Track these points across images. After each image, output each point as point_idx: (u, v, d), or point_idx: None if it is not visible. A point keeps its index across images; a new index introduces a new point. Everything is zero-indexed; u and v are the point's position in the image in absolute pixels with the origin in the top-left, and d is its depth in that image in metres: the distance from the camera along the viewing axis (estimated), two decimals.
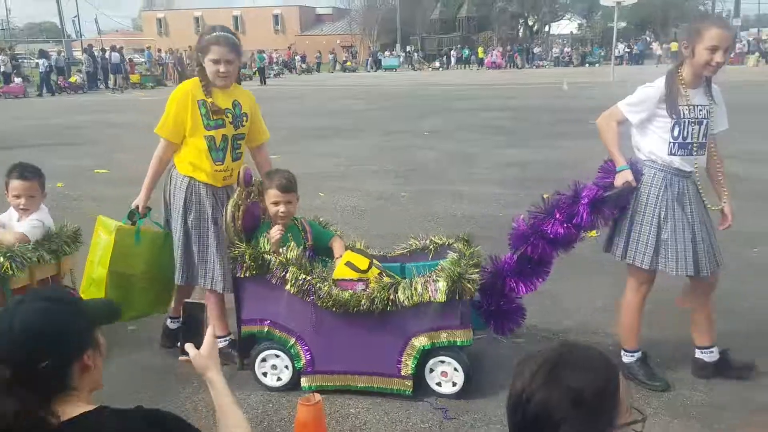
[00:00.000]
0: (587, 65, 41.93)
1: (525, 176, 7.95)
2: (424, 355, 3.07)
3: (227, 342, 3.47)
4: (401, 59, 48.25)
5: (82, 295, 3.24)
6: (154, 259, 3.41)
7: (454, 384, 3.10)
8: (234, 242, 3.11)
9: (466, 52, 45.97)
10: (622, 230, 3.13)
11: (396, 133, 12.54)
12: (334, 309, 3.01)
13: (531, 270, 3.22)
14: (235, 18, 59.55)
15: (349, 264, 3.18)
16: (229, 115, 3.31)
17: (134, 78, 29.16)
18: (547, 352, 1.28)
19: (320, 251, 3.46)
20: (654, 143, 3.04)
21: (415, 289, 2.96)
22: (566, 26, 56.76)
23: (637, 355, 3.25)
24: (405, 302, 2.96)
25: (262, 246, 3.10)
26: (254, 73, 34.15)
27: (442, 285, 2.94)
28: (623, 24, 47.20)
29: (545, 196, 3.21)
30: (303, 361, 3.15)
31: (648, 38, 46.40)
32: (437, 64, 45.60)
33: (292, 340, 3.14)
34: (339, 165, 9.34)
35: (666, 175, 3.02)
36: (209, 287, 3.36)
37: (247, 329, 3.22)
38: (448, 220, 6.18)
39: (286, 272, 3.03)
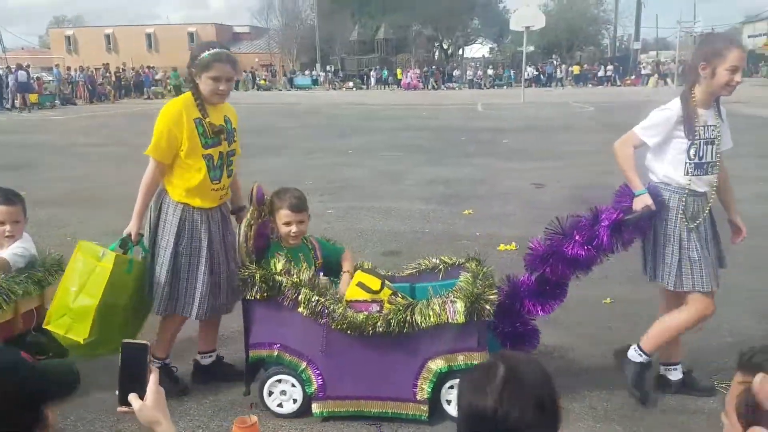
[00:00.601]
0: (495, 87, 43.50)
1: (448, 192, 8.28)
2: (441, 379, 2.97)
3: (159, 366, 3.33)
4: (323, 78, 48.52)
5: (50, 326, 3.02)
6: (137, 290, 3.22)
7: None
8: (245, 263, 3.00)
9: (385, 73, 46.80)
10: (649, 253, 3.15)
11: (320, 151, 12.68)
12: (348, 332, 2.89)
13: (549, 292, 3.15)
14: (148, 36, 58.05)
15: (360, 285, 3.06)
16: (224, 130, 3.23)
17: (32, 98, 27.10)
18: (499, 366, 1.31)
19: (331, 269, 3.35)
20: (670, 165, 3.06)
21: (433, 310, 2.86)
22: (479, 50, 59.01)
23: (646, 359, 3.22)
24: (422, 324, 2.86)
25: (273, 267, 2.99)
26: (169, 91, 33.46)
27: (460, 306, 2.85)
28: (531, 48, 49.40)
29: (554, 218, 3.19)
30: (314, 386, 3.02)
31: (555, 62, 48.80)
32: (351, 84, 46.17)
33: (303, 364, 3.02)
34: (262, 183, 9.32)
35: (681, 196, 3.04)
36: (181, 313, 3.24)
37: (256, 353, 3.09)
38: (375, 235, 6.37)
39: (299, 294, 2.92)
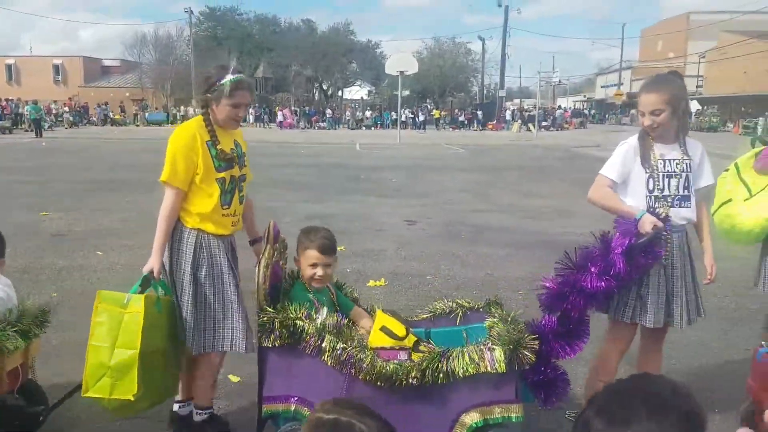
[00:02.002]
0: (364, 128, 44.56)
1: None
2: None
3: (208, 415, 3.12)
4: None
5: (91, 393, 2.68)
6: (171, 329, 2.89)
7: None
8: (263, 307, 2.71)
9: (264, 110, 46.62)
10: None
11: None
12: (377, 383, 2.59)
13: (573, 331, 2.92)
14: (9, 67, 54.21)
15: (384, 329, 2.80)
16: (235, 156, 3.04)
17: None
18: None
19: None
20: (632, 199, 3.05)
21: (471, 358, 2.61)
22: (358, 92, 60.37)
23: None
24: (459, 373, 2.59)
25: (293, 311, 2.69)
26: (29, 126, 31.25)
27: (498, 353, 2.61)
28: (407, 92, 51.36)
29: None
30: None
31: (429, 106, 50.98)
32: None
33: None
34: (127, 221, 8.85)
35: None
36: (228, 348, 2.97)
37: (270, 408, 2.74)
38: (245, 274, 6.13)
39: (322, 341, 2.62)
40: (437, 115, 47.06)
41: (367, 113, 48.88)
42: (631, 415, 1.08)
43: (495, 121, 45.41)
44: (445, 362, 2.59)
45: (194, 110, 47.77)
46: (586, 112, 63.09)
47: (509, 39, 49.23)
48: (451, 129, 44.08)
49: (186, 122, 3.08)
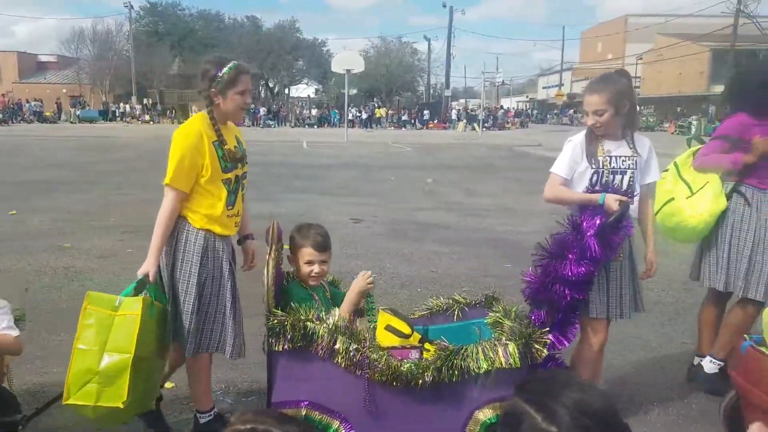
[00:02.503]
0: (307, 126, 44.35)
1: (262, 228, 8.03)
2: (488, 431, 2.66)
3: (211, 417, 3.06)
4: (137, 111, 46.19)
5: (73, 400, 2.49)
6: (160, 336, 2.77)
7: None
8: (272, 310, 2.61)
9: None
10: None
11: (129, 187, 11.84)
12: (394, 383, 2.55)
13: (564, 319, 2.98)
14: None
15: (390, 328, 2.75)
16: (238, 152, 2.94)
17: None
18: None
19: None
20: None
21: (486, 354, 2.60)
22: (305, 90, 60.01)
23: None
24: (475, 370, 2.58)
25: (303, 313, 2.61)
26: None
27: (512, 348, 2.61)
28: (354, 91, 51.31)
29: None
30: None
31: (376, 105, 51.04)
32: (147, 117, 44.65)
33: (336, 424, 2.62)
34: (57, 221, 8.46)
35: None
36: (214, 350, 2.91)
37: None
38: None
39: (335, 342, 2.55)
40: (379, 114, 47.04)
41: (314, 111, 48.54)
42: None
43: (437, 120, 45.88)
44: (460, 359, 2.58)
45: (132, 107, 46.56)
46: (528, 112, 64.41)
47: (454, 40, 49.85)
48: (393, 128, 44.11)
49: (190, 121, 2.92)
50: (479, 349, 2.61)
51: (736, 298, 3.59)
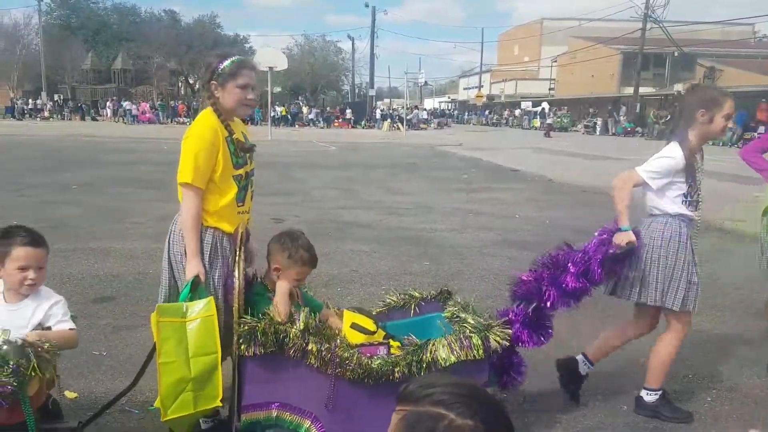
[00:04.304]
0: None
1: None
2: None
3: (214, 422, 2.98)
4: (48, 107, 43.87)
5: (170, 416, 2.49)
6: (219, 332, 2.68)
7: None
8: (242, 315, 2.58)
9: (124, 104, 43.93)
10: (655, 279, 3.23)
11: (34, 188, 11.19)
12: (366, 381, 2.59)
13: (540, 323, 3.12)
14: None
15: (355, 326, 2.81)
16: (247, 147, 2.91)
17: None
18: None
19: None
20: (670, 203, 3.25)
21: (452, 348, 2.70)
22: None
23: (660, 393, 3.41)
24: (443, 363, 2.67)
25: (272, 316, 2.60)
26: None
27: (476, 340, 2.74)
28: (279, 89, 50.60)
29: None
30: None
31: (301, 103, 50.53)
32: (46, 113, 42.68)
33: (307, 423, 2.65)
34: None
35: (681, 225, 3.23)
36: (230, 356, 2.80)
37: (251, 416, 2.64)
38: (87, 281, 5.63)
39: (307, 343, 2.57)
40: (283, 112, 46.11)
41: None
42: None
43: (340, 119, 45.98)
44: (428, 354, 2.66)
45: (43, 103, 44.14)
46: (448, 112, 65.47)
47: (378, 40, 50.10)
48: (297, 126, 43.56)
49: (202, 117, 2.85)
50: (445, 342, 2.71)
51: None
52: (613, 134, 39.56)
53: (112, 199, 10.31)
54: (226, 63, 2.80)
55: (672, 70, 45.61)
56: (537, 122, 47.36)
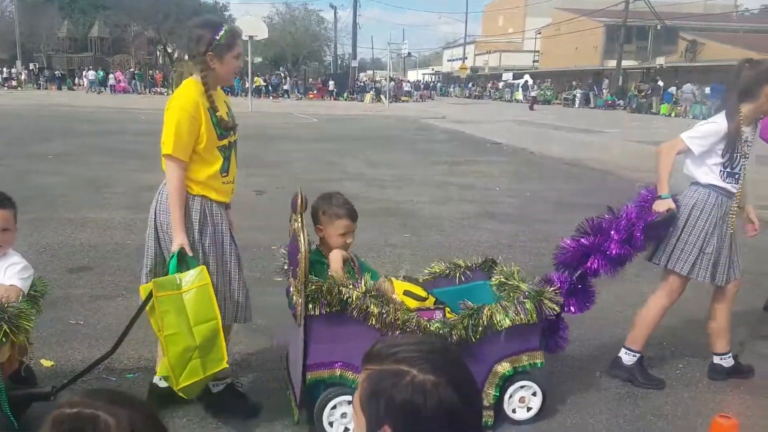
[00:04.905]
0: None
1: None
2: (505, 382, 2.93)
3: (224, 386, 3.00)
4: (23, 76, 42.94)
5: (182, 384, 2.56)
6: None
7: (529, 409, 3.01)
8: (308, 276, 2.66)
9: (101, 74, 43.07)
10: (668, 241, 3.34)
11: (10, 157, 11.00)
12: None
13: (584, 290, 3.23)
14: None
15: (408, 293, 2.93)
16: (229, 119, 2.92)
17: None
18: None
19: None
20: (709, 171, 3.31)
21: (506, 312, 2.84)
22: None
23: (638, 356, 3.49)
24: (498, 326, 2.81)
25: (337, 278, 2.71)
26: None
27: (529, 305, 2.87)
28: (259, 59, 49.87)
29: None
30: None
31: (282, 74, 49.86)
32: (14, 82, 41.82)
33: None
34: None
35: (718, 197, 3.30)
36: (229, 322, 2.89)
37: (315, 375, 2.76)
38: (63, 250, 5.58)
39: (369, 305, 2.69)
40: (258, 83, 44.65)
41: None
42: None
43: (315, 90, 45.50)
44: (485, 317, 2.79)
45: (18, 71, 43.13)
46: (432, 84, 65.09)
47: (361, 9, 49.40)
48: (271, 98, 42.77)
49: (184, 89, 2.84)
50: (500, 307, 2.85)
51: None
52: (594, 107, 39.68)
53: (90, 169, 10.18)
54: (222, 33, 2.78)
55: (654, 44, 45.70)
56: (519, 94, 47.29)
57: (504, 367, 2.91)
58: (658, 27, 41.92)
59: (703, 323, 4.26)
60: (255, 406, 3.05)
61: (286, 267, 3.11)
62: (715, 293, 3.51)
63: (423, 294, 2.98)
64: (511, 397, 2.97)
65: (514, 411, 3.00)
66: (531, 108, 35.60)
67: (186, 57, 2.92)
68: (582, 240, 3.23)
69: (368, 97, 42.76)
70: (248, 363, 3.58)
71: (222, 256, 2.87)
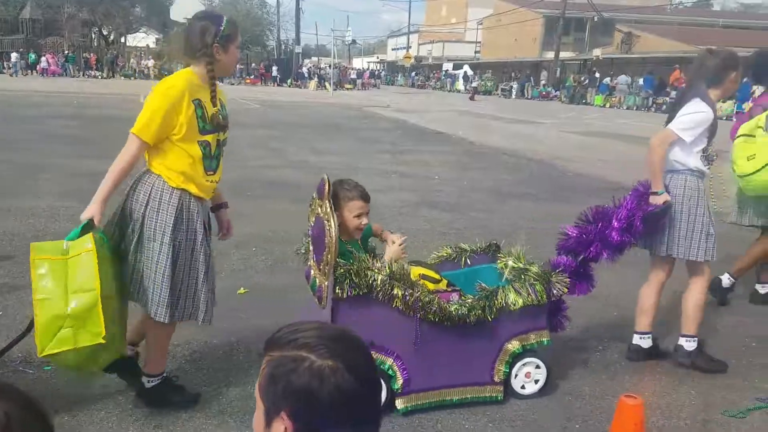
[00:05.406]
0: (125, 78, 41.72)
1: (91, 187, 7.53)
2: (514, 359, 3.14)
3: (159, 380, 2.97)
4: None
5: (48, 351, 2.45)
6: (118, 274, 2.74)
7: (536, 381, 3.24)
8: (337, 260, 2.77)
9: (32, 56, 41.17)
10: (677, 234, 3.54)
11: None
12: (446, 323, 2.94)
13: (583, 272, 3.48)
14: None
15: (424, 277, 3.10)
16: (221, 117, 2.91)
17: None
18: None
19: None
20: (693, 157, 3.53)
21: (519, 293, 3.04)
22: (143, 39, 55.69)
23: (697, 339, 3.70)
24: (512, 307, 3.02)
25: (364, 261, 2.85)
26: None
27: (539, 287, 3.07)
28: None
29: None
30: (400, 382, 2.98)
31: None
32: None
33: (390, 361, 2.95)
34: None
35: (699, 180, 3.56)
36: (188, 318, 2.87)
37: None
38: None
39: (393, 288, 2.84)
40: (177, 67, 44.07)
41: (150, 62, 45.31)
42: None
43: (252, 76, 44.95)
44: (500, 298, 3.00)
45: None
46: (377, 72, 64.98)
47: None
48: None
49: (174, 77, 2.86)
50: (513, 288, 3.05)
51: None
52: (530, 98, 40.49)
53: (19, 154, 9.79)
54: (225, 24, 2.83)
55: (592, 36, 46.94)
56: (460, 85, 47.74)
57: (514, 345, 3.12)
58: (596, 19, 43.03)
59: (621, 306, 4.49)
60: (194, 396, 3.07)
61: (303, 251, 3.27)
62: (691, 271, 3.72)
63: (437, 277, 3.18)
64: (516, 376, 3.20)
65: (523, 387, 3.24)
66: (471, 98, 36.05)
67: (185, 51, 2.90)
68: (584, 228, 3.48)
69: (313, 84, 42.39)
70: (195, 357, 3.59)
71: (193, 255, 2.84)
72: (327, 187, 2.85)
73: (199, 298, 2.87)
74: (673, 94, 29.17)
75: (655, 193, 3.48)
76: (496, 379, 3.13)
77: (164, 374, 3.02)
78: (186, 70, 2.86)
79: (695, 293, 3.68)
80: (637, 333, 3.77)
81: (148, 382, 2.96)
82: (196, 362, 3.49)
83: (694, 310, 3.67)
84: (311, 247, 3.11)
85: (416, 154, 12.62)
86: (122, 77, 41.43)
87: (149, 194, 2.78)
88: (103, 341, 2.49)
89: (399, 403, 3.01)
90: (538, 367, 3.22)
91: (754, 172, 4.11)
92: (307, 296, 3.23)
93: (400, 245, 3.13)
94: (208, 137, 2.85)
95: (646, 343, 3.77)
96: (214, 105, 2.87)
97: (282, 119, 19.06)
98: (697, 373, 3.65)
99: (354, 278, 2.79)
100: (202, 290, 2.87)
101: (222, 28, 2.81)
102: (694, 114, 3.48)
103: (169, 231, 2.76)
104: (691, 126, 3.47)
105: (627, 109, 31.46)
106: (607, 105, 33.17)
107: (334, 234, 2.72)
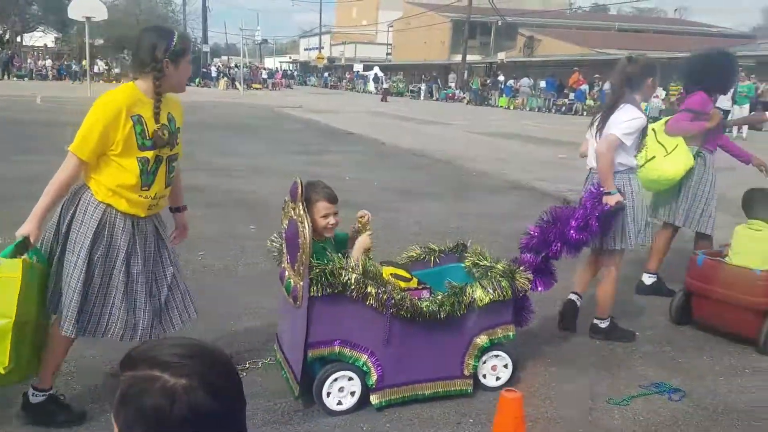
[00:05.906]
0: (25, 78, 39.65)
1: None
2: (482, 353, 3.25)
3: (45, 397, 2.86)
4: None
5: None
6: (41, 303, 2.71)
7: (498, 378, 3.37)
8: (311, 261, 2.84)
9: None
10: (627, 228, 3.91)
11: None
12: (418, 319, 3.03)
13: (545, 268, 3.69)
14: None
15: (395, 276, 3.20)
16: (166, 133, 2.79)
17: None
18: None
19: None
20: (631, 158, 3.93)
21: (486, 289, 3.16)
22: (41, 38, 52.63)
23: (608, 319, 4.17)
24: (480, 303, 3.14)
25: (337, 262, 2.92)
26: None
27: (505, 284, 3.21)
28: (101, 41, 46.55)
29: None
30: (374, 378, 3.05)
31: (126, 57, 46.83)
32: None
33: (364, 357, 3.04)
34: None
35: (634, 177, 3.97)
36: (93, 334, 2.78)
37: (316, 353, 2.98)
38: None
39: (366, 286, 2.92)
40: (86, 65, 41.10)
41: (47, 62, 42.83)
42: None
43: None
44: (468, 295, 3.12)
45: None
46: (290, 73, 64.52)
47: None
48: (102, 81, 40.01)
49: (114, 92, 2.79)
50: (480, 285, 3.20)
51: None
52: (436, 99, 41.43)
53: None
54: (176, 40, 2.78)
55: (496, 40, 48.60)
56: (371, 86, 48.15)
57: (482, 340, 3.25)
58: (500, 23, 44.57)
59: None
60: (80, 414, 2.95)
61: (277, 254, 3.35)
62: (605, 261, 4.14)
63: (408, 276, 3.30)
64: (485, 363, 3.34)
65: (485, 377, 3.37)
66: (383, 99, 36.52)
67: (133, 64, 2.88)
68: (544, 228, 3.73)
69: (222, 83, 41.56)
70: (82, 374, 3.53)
71: (111, 272, 2.76)
72: (300, 189, 2.93)
73: (115, 315, 2.78)
74: (572, 95, 30.80)
75: (609, 194, 3.76)
76: (465, 372, 3.24)
77: (51, 390, 2.91)
78: (128, 85, 2.81)
79: (608, 281, 4.13)
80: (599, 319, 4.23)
81: (34, 395, 2.86)
82: (84, 378, 3.34)
83: (606, 296, 4.15)
84: (285, 249, 3.20)
85: (327, 154, 12.72)
86: (15, 78, 38.98)
87: (77, 206, 2.75)
88: (2, 371, 2.45)
89: (374, 399, 3.09)
90: (506, 365, 3.38)
91: (640, 167, 4.54)
92: (280, 296, 3.32)
93: (366, 232, 3.23)
94: (148, 153, 2.76)
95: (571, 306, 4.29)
96: (157, 121, 2.79)
97: (189, 120, 18.49)
98: (587, 364, 3.80)
99: (329, 277, 2.86)
100: (121, 308, 2.78)
101: (174, 43, 2.77)
102: (632, 120, 3.79)
103: (87, 245, 2.71)
104: (631, 131, 3.80)
105: (530, 110, 32.79)
106: (512, 107, 34.37)
107: (308, 235, 2.80)
